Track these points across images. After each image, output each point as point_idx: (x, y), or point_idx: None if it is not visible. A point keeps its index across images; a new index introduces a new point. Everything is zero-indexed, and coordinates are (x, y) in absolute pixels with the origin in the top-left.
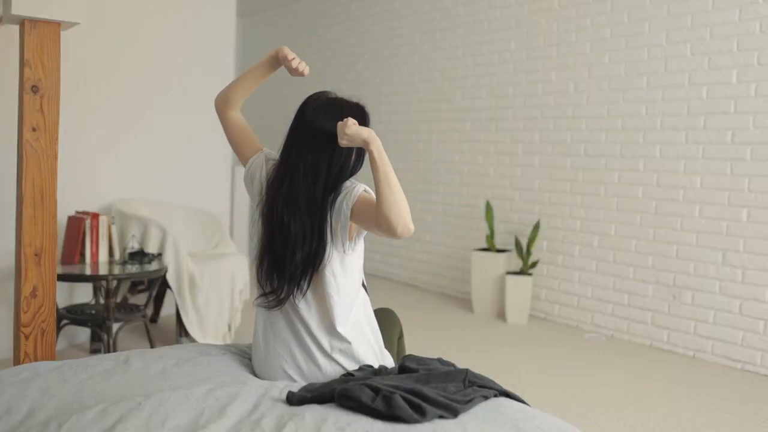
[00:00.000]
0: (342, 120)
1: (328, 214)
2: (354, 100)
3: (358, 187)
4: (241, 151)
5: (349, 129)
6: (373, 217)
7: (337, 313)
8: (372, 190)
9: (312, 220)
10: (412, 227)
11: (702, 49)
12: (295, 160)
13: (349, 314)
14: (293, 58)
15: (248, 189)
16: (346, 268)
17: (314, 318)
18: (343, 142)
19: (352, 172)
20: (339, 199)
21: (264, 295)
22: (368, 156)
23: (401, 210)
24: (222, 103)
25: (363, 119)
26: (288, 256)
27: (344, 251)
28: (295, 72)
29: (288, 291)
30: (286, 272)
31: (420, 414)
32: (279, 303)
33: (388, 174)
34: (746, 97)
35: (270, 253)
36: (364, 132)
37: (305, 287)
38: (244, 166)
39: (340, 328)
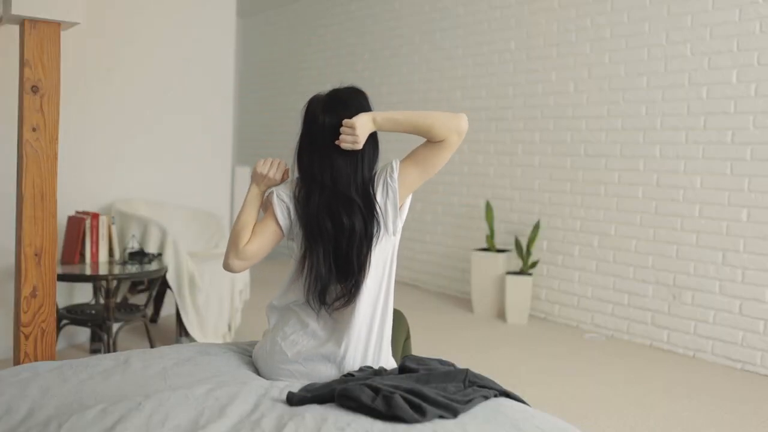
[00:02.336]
0: (345, 118)
1: (375, 197)
2: (345, 85)
3: (391, 163)
4: (276, 236)
5: (357, 128)
6: (432, 149)
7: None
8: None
9: (367, 208)
10: (464, 116)
11: (702, 49)
12: (322, 163)
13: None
14: (268, 164)
15: (289, 232)
16: (392, 252)
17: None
18: (359, 142)
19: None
20: (380, 181)
21: (338, 299)
22: (383, 126)
23: (447, 118)
24: (244, 262)
25: (365, 101)
26: (356, 251)
27: (394, 232)
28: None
29: (359, 280)
30: (354, 266)
31: (420, 414)
32: (353, 298)
33: (409, 115)
34: (746, 97)
35: (336, 259)
36: (363, 118)
37: (368, 269)
38: (283, 232)
39: (389, 315)
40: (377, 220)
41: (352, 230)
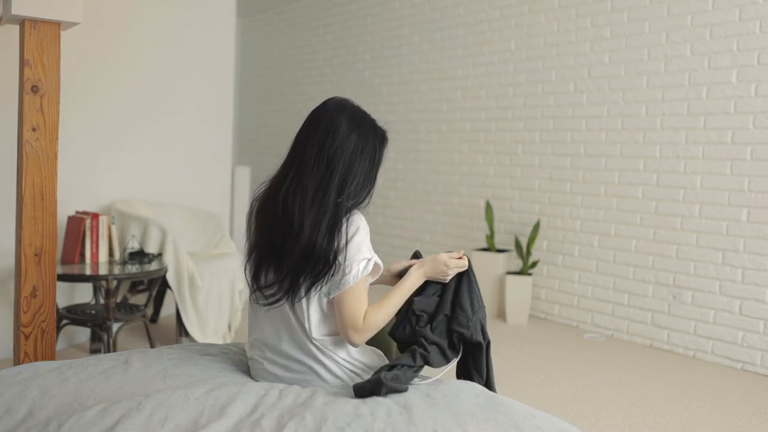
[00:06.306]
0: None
1: (341, 222)
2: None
3: (363, 265)
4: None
5: (451, 270)
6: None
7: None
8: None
9: (319, 212)
10: (359, 341)
11: (702, 49)
12: (305, 149)
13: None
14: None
15: None
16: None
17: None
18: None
19: (364, 186)
20: (350, 244)
21: (259, 289)
22: (412, 268)
23: (379, 323)
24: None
25: (372, 140)
26: (288, 248)
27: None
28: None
29: (288, 289)
30: (284, 266)
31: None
32: (276, 301)
33: (405, 295)
34: (746, 97)
35: (266, 243)
36: (443, 267)
37: (303, 292)
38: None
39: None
40: (331, 248)
41: (290, 218)
